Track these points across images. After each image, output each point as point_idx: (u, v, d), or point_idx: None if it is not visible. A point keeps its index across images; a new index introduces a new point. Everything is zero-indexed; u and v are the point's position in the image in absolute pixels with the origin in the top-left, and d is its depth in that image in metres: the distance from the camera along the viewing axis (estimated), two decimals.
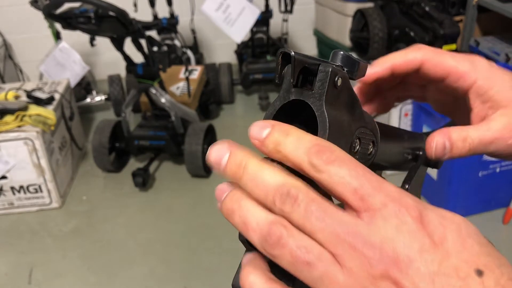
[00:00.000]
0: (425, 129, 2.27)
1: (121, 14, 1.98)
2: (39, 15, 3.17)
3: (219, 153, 0.29)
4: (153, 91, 2.49)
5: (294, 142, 0.28)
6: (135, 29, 2.12)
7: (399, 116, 2.43)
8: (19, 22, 3.66)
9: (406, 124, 2.44)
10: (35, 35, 3.66)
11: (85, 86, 3.38)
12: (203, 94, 3.04)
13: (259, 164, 0.28)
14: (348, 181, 0.26)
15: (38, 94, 2.53)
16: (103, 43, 3.49)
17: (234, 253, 1.99)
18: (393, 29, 2.64)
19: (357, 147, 0.36)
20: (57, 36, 3.06)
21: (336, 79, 0.32)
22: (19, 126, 2.29)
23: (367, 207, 0.26)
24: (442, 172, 2.19)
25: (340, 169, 0.27)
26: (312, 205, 0.26)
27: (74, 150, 2.76)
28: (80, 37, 2.98)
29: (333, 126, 0.32)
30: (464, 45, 2.72)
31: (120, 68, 3.38)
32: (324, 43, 3.36)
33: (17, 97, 2.54)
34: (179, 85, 2.93)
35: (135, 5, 2.92)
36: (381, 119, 2.46)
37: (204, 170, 2.51)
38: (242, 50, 3.38)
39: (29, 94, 2.52)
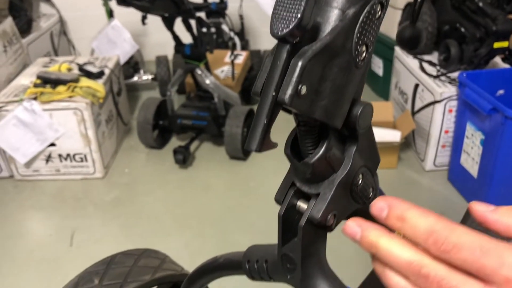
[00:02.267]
0: (469, 127, 2.24)
1: None
2: None
3: (352, 230, 0.36)
4: (199, 72, 2.55)
5: (410, 229, 0.33)
6: (186, 9, 2.18)
7: (443, 112, 2.39)
8: (75, 0, 3.80)
9: (450, 121, 2.41)
10: (89, 13, 3.80)
11: (133, 65, 3.49)
12: (246, 79, 3.08)
13: (389, 240, 0.34)
14: (470, 264, 0.31)
15: (89, 68, 2.64)
16: (153, 24, 3.59)
17: (266, 234, 2.03)
18: (443, 24, 2.60)
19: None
20: (110, 14, 3.17)
21: None
22: (70, 97, 2.40)
23: (492, 282, 0.31)
24: (482, 169, 2.15)
25: (460, 255, 0.31)
26: (442, 283, 0.32)
27: (119, 124, 2.86)
28: (132, 16, 3.07)
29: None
30: None
31: (167, 49, 3.47)
32: None
33: (69, 70, 2.66)
34: (224, 68, 2.98)
35: None
36: (425, 114, 2.43)
37: (242, 153, 2.56)
38: None
39: (81, 67, 2.63)
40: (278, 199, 0.43)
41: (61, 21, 3.79)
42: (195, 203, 2.37)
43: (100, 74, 2.61)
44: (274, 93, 0.34)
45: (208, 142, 2.83)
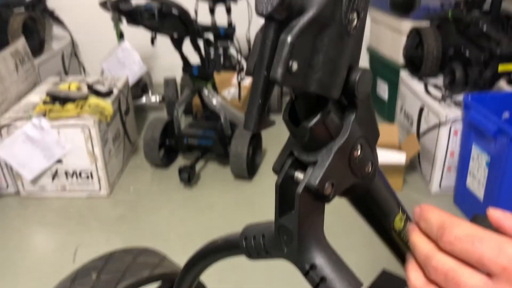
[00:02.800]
0: (474, 149, 2.23)
1: (184, 13, 2.09)
2: (105, 18, 3.37)
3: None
4: (206, 92, 2.58)
5: (426, 225, 0.38)
6: (194, 30, 2.23)
7: (449, 134, 2.39)
8: (87, 23, 3.89)
9: (455, 143, 2.41)
10: (99, 36, 3.87)
11: (142, 86, 3.54)
12: None
13: (417, 236, 0.38)
14: (470, 254, 0.33)
15: (98, 87, 2.68)
16: (162, 47, 3.65)
17: None
18: (448, 48, 2.63)
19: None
20: (121, 36, 3.23)
21: None
22: (78, 114, 2.43)
23: (493, 274, 0.33)
24: (488, 192, 2.14)
25: (461, 246, 0.34)
26: (448, 274, 0.34)
27: (126, 143, 2.89)
28: (141, 39, 3.14)
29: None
30: None
31: (176, 72, 3.51)
32: (377, 60, 3.37)
33: (79, 88, 2.70)
34: (231, 90, 3.01)
35: (196, 12, 3.04)
36: (430, 137, 2.43)
37: (247, 172, 2.56)
38: None
39: (90, 86, 2.67)
40: (276, 169, 0.43)
41: (73, 43, 3.88)
42: (199, 222, 2.36)
43: (108, 93, 2.65)
44: (265, 72, 0.34)
45: (214, 162, 2.84)
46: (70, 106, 2.45)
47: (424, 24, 2.80)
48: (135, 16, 2.16)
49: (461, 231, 0.34)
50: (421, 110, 2.61)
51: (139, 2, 2.17)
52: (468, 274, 0.33)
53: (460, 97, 2.42)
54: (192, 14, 2.30)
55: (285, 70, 0.33)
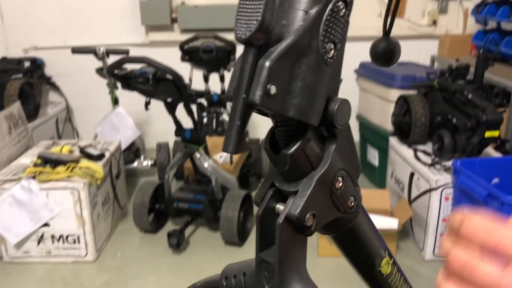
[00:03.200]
0: None
1: (178, 78, 2.15)
2: (101, 84, 3.46)
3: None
4: (198, 155, 2.60)
5: (450, 223, 0.38)
6: (188, 94, 2.28)
7: (440, 200, 2.39)
8: (83, 90, 3.97)
9: (447, 209, 2.40)
10: (94, 102, 3.94)
11: (134, 151, 3.55)
12: (244, 166, 3.12)
13: (447, 236, 0.39)
14: (487, 244, 0.35)
15: (90, 150, 2.69)
16: (155, 113, 3.71)
17: None
18: (435, 116, 2.69)
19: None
20: (115, 102, 3.29)
21: None
22: (68, 177, 2.41)
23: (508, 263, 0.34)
24: None
25: (478, 237, 0.35)
26: (466, 265, 0.36)
27: (115, 208, 2.85)
28: (136, 106, 3.20)
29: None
30: (508, 136, 2.72)
31: (169, 137, 3.55)
32: (366, 128, 3.43)
33: (71, 152, 2.71)
34: (223, 154, 3.02)
35: (190, 79, 3.13)
36: (422, 202, 2.43)
37: (238, 237, 2.52)
38: None
39: (82, 150, 2.68)
40: (257, 200, 0.43)
41: (68, 109, 3.93)
42: None
43: (100, 157, 2.66)
44: (244, 95, 0.35)
45: (204, 227, 2.80)
46: (60, 168, 2.44)
47: (411, 92, 2.89)
48: (130, 81, 2.22)
49: (477, 223, 0.35)
50: (411, 176, 2.63)
51: (134, 67, 2.24)
52: (483, 263, 0.35)
53: (449, 163, 2.44)
54: (186, 79, 2.37)
55: (263, 93, 0.34)
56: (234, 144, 0.36)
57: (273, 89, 0.35)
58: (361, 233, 0.48)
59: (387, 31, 0.50)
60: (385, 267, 0.50)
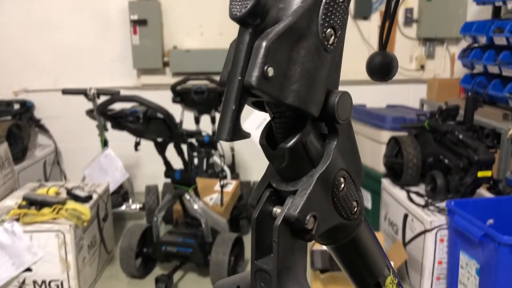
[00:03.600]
0: (462, 256, 2.17)
1: (169, 116, 2.13)
2: (90, 126, 3.44)
3: None
4: (187, 197, 2.54)
5: None
6: (178, 134, 2.25)
7: (435, 242, 2.35)
8: (72, 132, 3.94)
9: (442, 251, 2.35)
10: (83, 145, 3.90)
11: (122, 194, 3.49)
12: (235, 208, 3.06)
13: None
14: None
15: (78, 192, 2.62)
16: (145, 156, 3.67)
17: None
18: (427, 157, 2.69)
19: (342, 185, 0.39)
20: (105, 144, 3.25)
21: None
22: (54, 218, 2.34)
23: None
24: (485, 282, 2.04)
25: None
26: None
27: (102, 251, 2.75)
28: (125, 149, 3.17)
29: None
30: (500, 177, 2.71)
31: (158, 180, 3.50)
32: None
33: (57, 193, 2.64)
34: (213, 196, 2.98)
35: (181, 121, 3.11)
36: (416, 244, 2.38)
37: None
38: None
39: (69, 191, 2.61)
40: (252, 203, 0.39)
41: (56, 151, 3.88)
42: None
43: (87, 198, 2.59)
44: (240, 77, 0.32)
45: (193, 272, 2.70)
46: (46, 210, 2.37)
47: (402, 134, 2.89)
48: (120, 120, 2.19)
49: None
50: (405, 218, 2.59)
51: (124, 106, 2.22)
52: None
53: (443, 204, 2.41)
54: (177, 119, 2.35)
55: (260, 74, 0.32)
56: (228, 130, 0.33)
57: (270, 71, 0.32)
58: (364, 245, 0.45)
59: (383, 44, 0.48)
60: (390, 286, 0.46)
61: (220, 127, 0.33)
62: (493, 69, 3.17)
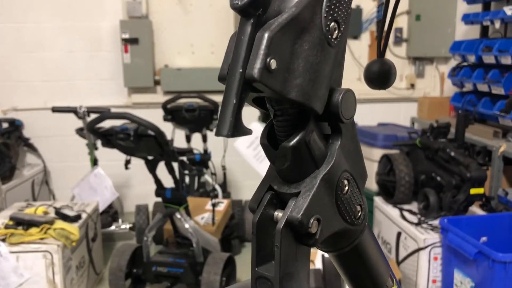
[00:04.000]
0: (457, 274, 2.15)
1: (160, 134, 2.11)
2: (80, 145, 3.40)
3: None
4: (178, 216, 2.50)
5: None
6: (169, 151, 2.23)
7: (429, 260, 2.32)
8: (61, 151, 3.90)
9: (436, 269, 2.33)
10: (73, 164, 3.86)
11: (112, 214, 3.44)
12: (226, 227, 3.02)
13: None
14: None
15: (66, 211, 2.58)
16: (135, 175, 3.64)
17: None
18: (419, 174, 2.68)
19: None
20: (94, 163, 3.22)
21: None
22: (41, 239, 2.29)
23: None
24: None
25: None
26: None
27: (90, 272, 2.70)
28: (115, 168, 3.14)
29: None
30: (492, 194, 2.71)
31: (148, 200, 3.46)
32: None
33: (46, 213, 2.59)
34: (204, 215, 2.94)
35: (172, 140, 3.09)
36: (410, 263, 2.36)
37: None
38: None
39: (57, 211, 2.57)
40: (252, 206, 0.37)
41: (45, 171, 3.83)
42: None
43: (76, 218, 2.54)
44: (241, 70, 0.31)
45: None
46: (33, 230, 2.31)
47: (393, 152, 2.89)
48: (110, 137, 2.17)
49: None
50: (398, 236, 2.57)
51: (115, 124, 2.20)
52: None
53: (436, 222, 2.40)
54: (168, 138, 2.33)
55: (263, 66, 0.31)
56: (229, 126, 0.31)
57: (273, 64, 0.31)
58: (368, 254, 0.43)
59: (381, 52, 0.47)
60: None
61: (220, 122, 0.32)
62: (482, 87, 3.20)
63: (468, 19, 3.50)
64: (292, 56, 0.33)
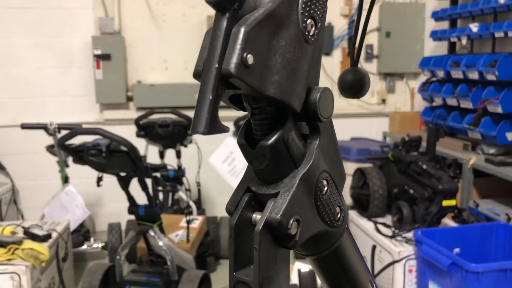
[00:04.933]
0: (431, 286, 2.17)
1: (132, 149, 2.08)
2: (50, 163, 3.33)
3: None
4: (152, 233, 2.46)
5: None
6: (142, 167, 2.20)
7: (404, 272, 2.34)
8: (30, 170, 3.80)
9: (411, 281, 2.34)
10: (43, 182, 3.76)
11: (83, 233, 3.35)
12: (201, 244, 2.98)
13: None
14: None
15: (35, 231, 2.50)
16: (107, 192, 3.56)
17: None
18: (393, 187, 2.71)
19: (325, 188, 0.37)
20: (65, 181, 3.14)
21: None
22: (9, 260, 2.21)
23: None
24: None
25: None
26: None
27: None
28: (87, 186, 3.07)
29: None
30: (464, 206, 2.76)
31: (121, 218, 3.40)
32: None
33: (13, 233, 2.50)
34: (179, 232, 2.90)
35: (145, 156, 3.05)
36: (385, 276, 2.37)
37: None
38: None
39: (26, 230, 2.49)
40: (230, 209, 0.37)
41: (13, 190, 3.72)
42: None
43: (46, 237, 2.47)
44: (217, 65, 0.30)
45: None
46: (0, 251, 2.23)
47: (367, 165, 2.92)
48: (81, 154, 2.12)
49: None
50: (373, 249, 2.58)
51: (86, 140, 2.16)
52: None
53: (410, 234, 2.42)
54: (141, 153, 2.30)
55: (239, 61, 0.30)
56: (205, 122, 0.30)
57: (250, 59, 0.31)
58: (348, 258, 0.42)
59: (354, 61, 0.47)
60: None
61: (196, 119, 0.31)
62: (451, 101, 3.28)
63: (436, 35, 3.60)
64: (269, 52, 0.32)
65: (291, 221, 0.34)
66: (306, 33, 0.35)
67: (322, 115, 0.36)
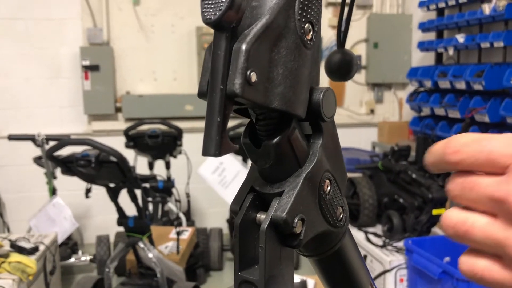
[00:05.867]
0: None
1: (122, 160, 2.06)
2: (37, 175, 3.29)
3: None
4: (141, 245, 2.43)
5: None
6: (132, 178, 2.18)
7: (395, 282, 2.34)
8: (17, 181, 3.75)
9: None
10: (29, 195, 3.71)
11: (71, 246, 3.31)
12: (191, 256, 2.96)
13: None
14: (480, 157, 0.32)
15: (22, 244, 2.46)
16: (95, 204, 3.53)
17: None
18: (382, 197, 2.72)
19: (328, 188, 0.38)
20: (53, 192, 3.11)
21: None
22: None
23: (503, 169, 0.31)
24: None
25: (469, 152, 0.32)
26: (465, 187, 0.33)
27: None
28: (75, 197, 3.04)
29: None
30: None
31: (109, 230, 3.36)
32: None
33: (0, 246, 2.46)
34: (168, 244, 2.87)
35: (134, 167, 3.03)
36: (377, 284, 2.37)
37: None
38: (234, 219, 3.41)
39: (13, 243, 2.44)
40: (234, 208, 0.37)
41: (0, 202, 3.67)
42: None
43: (33, 250, 2.43)
44: (221, 86, 0.30)
45: None
46: None
47: (356, 175, 2.93)
48: (70, 165, 2.10)
49: (464, 138, 0.32)
50: (364, 259, 2.58)
51: (76, 151, 2.13)
52: (480, 178, 0.31)
53: (400, 244, 2.43)
54: (131, 163, 2.28)
55: (243, 80, 0.30)
56: (216, 144, 0.30)
57: (253, 76, 0.31)
58: (349, 259, 0.42)
59: (341, 42, 0.47)
60: None
61: (206, 142, 0.31)
62: (439, 111, 3.32)
63: (423, 46, 3.64)
64: (271, 64, 0.32)
65: (296, 220, 0.34)
66: (305, 38, 0.35)
67: (325, 115, 0.37)
